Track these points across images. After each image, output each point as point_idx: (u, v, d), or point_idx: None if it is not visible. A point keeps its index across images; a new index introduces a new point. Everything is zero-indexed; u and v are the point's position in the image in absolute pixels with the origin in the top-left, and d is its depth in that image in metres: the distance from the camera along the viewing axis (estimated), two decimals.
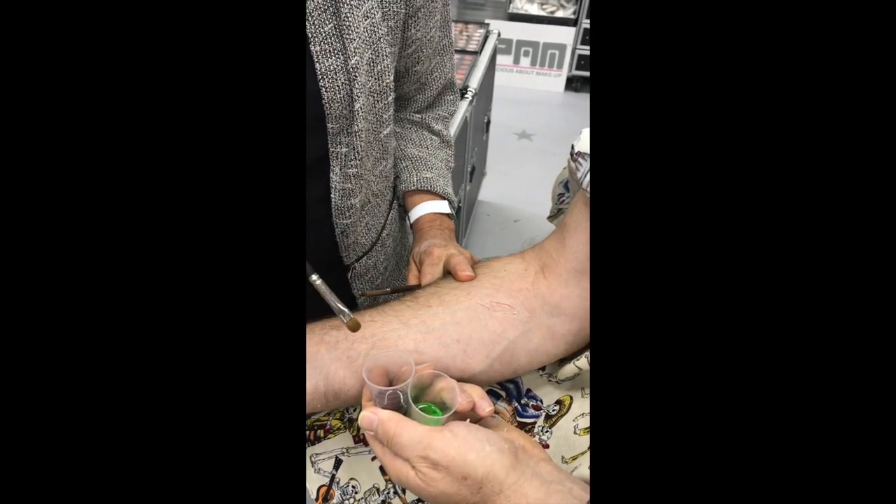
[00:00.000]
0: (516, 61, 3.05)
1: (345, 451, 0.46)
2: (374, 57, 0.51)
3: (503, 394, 0.48)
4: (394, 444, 0.35)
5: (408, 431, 0.35)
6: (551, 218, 0.57)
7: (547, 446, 0.44)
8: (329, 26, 0.48)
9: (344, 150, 0.54)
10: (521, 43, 2.99)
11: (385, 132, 0.57)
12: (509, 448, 0.35)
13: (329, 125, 0.52)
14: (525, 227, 2.18)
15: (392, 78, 0.54)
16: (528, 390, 0.48)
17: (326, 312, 0.45)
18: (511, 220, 2.21)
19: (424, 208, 0.65)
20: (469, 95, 1.43)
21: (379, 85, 0.53)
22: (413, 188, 0.66)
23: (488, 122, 2.00)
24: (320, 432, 0.47)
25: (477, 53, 1.65)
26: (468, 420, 0.38)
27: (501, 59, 3.00)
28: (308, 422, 0.48)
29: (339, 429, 0.47)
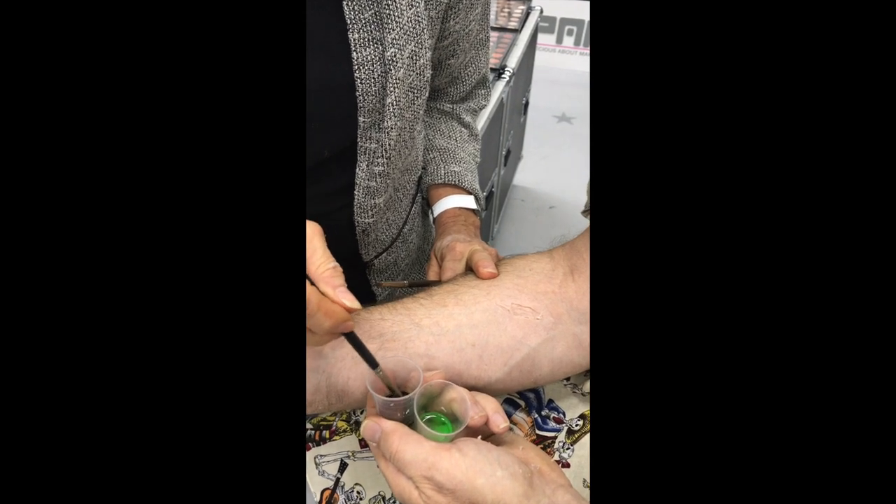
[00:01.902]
0: (559, 41, 2.94)
1: (350, 454, 0.44)
2: (416, 50, 0.47)
3: (522, 403, 0.44)
4: (396, 461, 0.32)
5: (412, 448, 0.32)
6: (586, 213, 0.52)
7: (567, 466, 0.40)
8: (369, 13, 0.45)
9: (373, 146, 0.50)
10: (565, 21, 2.87)
11: (418, 128, 0.54)
12: (523, 473, 0.31)
13: (361, 118, 0.48)
14: (561, 213, 2.11)
15: (430, 73, 0.50)
16: (550, 401, 0.44)
17: None
18: (546, 206, 2.14)
19: (449, 202, 0.61)
20: (506, 76, 1.37)
21: (420, 80, 0.49)
22: (440, 181, 0.62)
23: (526, 104, 1.93)
24: (325, 433, 0.45)
25: (517, 31, 1.58)
26: (480, 436, 0.35)
27: (543, 39, 2.90)
28: (313, 421, 0.46)
29: (345, 431, 0.45)
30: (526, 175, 2.22)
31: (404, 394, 0.37)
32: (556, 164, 2.33)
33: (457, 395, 0.35)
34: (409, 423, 0.35)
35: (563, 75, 2.91)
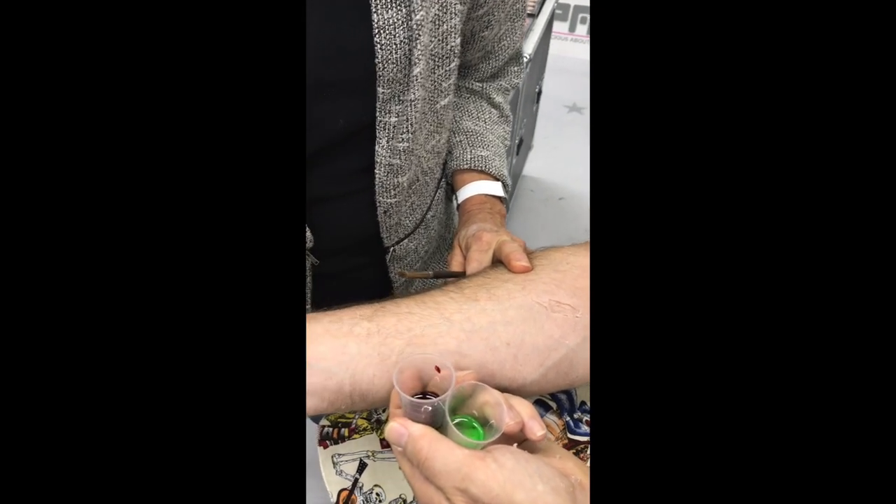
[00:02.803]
0: (572, 29, 2.89)
1: (370, 454, 0.41)
2: (440, 14, 0.43)
3: (554, 405, 0.42)
4: (425, 468, 0.30)
5: (443, 455, 0.29)
6: None
7: None
8: None
9: (394, 119, 0.46)
10: (579, 9, 2.82)
11: (443, 103, 0.50)
12: (566, 487, 0.29)
13: (380, 89, 0.44)
14: (570, 205, 2.08)
15: (458, 41, 0.46)
16: (583, 403, 0.42)
17: (354, 298, 0.39)
18: (556, 197, 2.11)
19: (475, 188, 0.58)
20: (523, 62, 1.33)
21: (442, 48, 0.45)
22: (466, 166, 0.59)
23: (539, 93, 1.89)
24: (344, 431, 0.42)
25: (534, 16, 1.53)
26: (515, 444, 0.32)
27: (556, 26, 2.84)
28: (331, 418, 0.43)
29: (365, 429, 0.42)
30: (536, 165, 2.19)
31: (432, 395, 0.35)
32: (567, 154, 2.30)
33: (490, 398, 0.33)
34: (437, 426, 0.33)
35: (575, 65, 2.86)
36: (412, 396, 0.34)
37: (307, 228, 0.52)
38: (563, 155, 2.29)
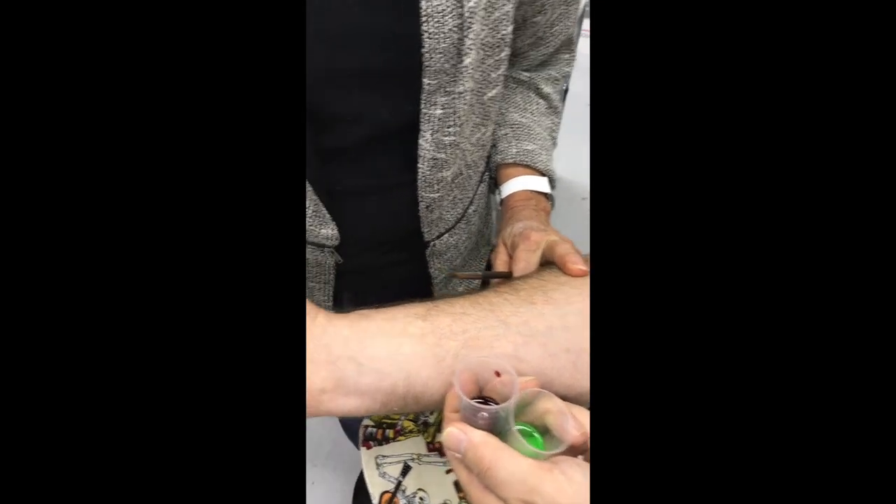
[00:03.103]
0: None
1: (415, 457, 0.40)
2: (492, 1, 0.41)
3: None
4: (487, 477, 0.29)
5: (507, 465, 0.28)
6: None
7: None
8: None
9: (439, 112, 0.44)
10: None
11: (491, 94, 0.48)
12: None
13: (425, 80, 0.42)
14: None
15: (510, 29, 0.44)
16: None
17: (388, 294, 0.38)
18: (579, 197, 2.09)
19: (520, 183, 0.56)
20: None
21: (493, 37, 0.43)
22: (511, 160, 0.57)
23: (566, 91, 1.86)
24: (389, 432, 0.41)
25: None
26: (580, 456, 0.31)
27: (583, 24, 2.80)
28: (374, 418, 0.42)
29: (411, 431, 0.41)
30: (558, 164, 2.16)
31: (492, 400, 0.34)
32: (588, 154, 2.27)
33: (553, 406, 0.31)
34: (496, 432, 0.32)
35: None
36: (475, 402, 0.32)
37: (333, 226, 0.51)
38: (585, 154, 2.26)
